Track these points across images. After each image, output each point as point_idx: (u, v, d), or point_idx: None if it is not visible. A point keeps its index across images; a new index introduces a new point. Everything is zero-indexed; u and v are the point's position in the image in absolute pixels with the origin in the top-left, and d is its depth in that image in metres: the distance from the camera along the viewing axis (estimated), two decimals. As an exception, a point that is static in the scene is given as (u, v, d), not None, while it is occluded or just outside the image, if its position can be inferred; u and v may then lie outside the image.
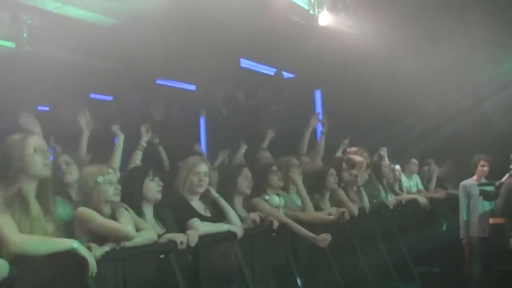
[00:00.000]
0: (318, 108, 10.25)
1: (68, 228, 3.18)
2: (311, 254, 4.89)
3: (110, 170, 3.43)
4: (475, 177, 7.05)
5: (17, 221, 2.77)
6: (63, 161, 3.96)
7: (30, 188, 2.95)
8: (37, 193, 2.99)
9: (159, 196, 3.77)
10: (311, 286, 4.79)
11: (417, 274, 6.35)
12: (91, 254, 2.87)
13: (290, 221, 4.68)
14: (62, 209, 3.41)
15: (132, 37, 7.21)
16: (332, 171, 5.56)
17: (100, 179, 3.33)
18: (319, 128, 7.31)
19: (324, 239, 4.60)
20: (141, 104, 9.78)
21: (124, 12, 6.70)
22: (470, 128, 8.14)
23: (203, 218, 3.96)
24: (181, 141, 7.55)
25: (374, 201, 6.44)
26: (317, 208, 5.25)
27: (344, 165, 6.03)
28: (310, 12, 7.05)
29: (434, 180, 8.48)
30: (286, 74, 10.20)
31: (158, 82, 10.19)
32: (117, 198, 3.38)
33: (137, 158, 4.83)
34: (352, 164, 6.19)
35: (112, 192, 3.35)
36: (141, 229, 3.38)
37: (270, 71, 10.06)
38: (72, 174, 3.91)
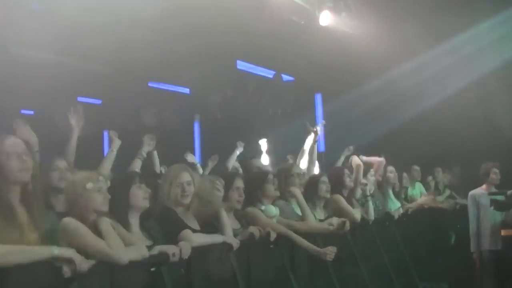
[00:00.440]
0: (318, 112, 10.28)
1: (54, 239, 3.18)
2: (311, 266, 4.87)
3: (101, 178, 3.39)
4: (484, 186, 7.02)
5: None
6: (59, 167, 3.98)
7: (12, 195, 2.95)
8: (20, 199, 2.99)
9: (146, 204, 3.74)
10: (311, 300, 4.79)
11: (424, 290, 6.35)
12: (75, 253, 2.87)
13: (290, 232, 4.66)
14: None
15: (122, 37, 7.21)
16: (324, 178, 5.54)
17: (89, 185, 3.28)
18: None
19: (330, 252, 4.62)
20: (132, 108, 9.80)
21: (114, 11, 6.72)
22: (478, 134, 8.16)
23: (193, 231, 3.96)
24: (174, 147, 7.56)
25: (380, 208, 6.46)
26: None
27: (346, 171, 6.05)
28: (311, 12, 7.09)
29: (443, 188, 8.49)
30: (285, 77, 10.22)
31: (150, 85, 10.20)
32: (105, 208, 3.35)
33: (137, 167, 4.81)
34: (369, 166, 6.26)
35: (100, 201, 3.30)
36: (129, 244, 3.35)
37: (268, 73, 10.08)
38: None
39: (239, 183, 4.53)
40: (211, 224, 4.19)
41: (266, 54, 8.75)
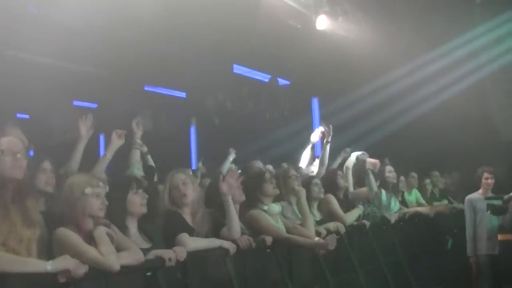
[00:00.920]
0: (315, 117, 10.28)
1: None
2: (308, 271, 4.87)
3: (100, 183, 3.37)
4: (480, 190, 7.03)
5: None
6: (46, 169, 3.95)
7: (5, 192, 2.95)
8: (13, 198, 2.98)
9: (143, 210, 3.74)
10: (307, 306, 4.78)
11: (421, 295, 6.34)
12: (69, 261, 2.86)
13: (291, 236, 4.67)
14: None
15: (118, 41, 7.21)
16: (316, 180, 5.60)
17: (88, 190, 3.26)
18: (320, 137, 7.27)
19: (331, 240, 4.62)
20: (128, 112, 9.77)
21: (110, 15, 6.71)
22: (476, 138, 8.17)
23: (192, 234, 3.96)
24: (170, 151, 7.55)
25: (377, 213, 6.46)
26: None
27: (339, 172, 6.11)
28: (307, 16, 7.10)
29: (439, 193, 8.49)
30: (282, 81, 10.23)
31: (146, 88, 10.20)
32: (101, 214, 3.33)
33: (136, 158, 4.76)
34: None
35: (97, 206, 3.28)
36: (125, 249, 3.34)
37: (264, 77, 10.08)
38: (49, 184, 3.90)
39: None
40: (219, 223, 4.22)
41: (263, 58, 8.76)
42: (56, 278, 2.82)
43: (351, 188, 6.29)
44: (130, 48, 7.40)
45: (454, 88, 8.12)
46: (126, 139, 4.67)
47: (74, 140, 4.79)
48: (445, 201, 8.32)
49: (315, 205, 5.58)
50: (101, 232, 3.24)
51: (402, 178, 7.58)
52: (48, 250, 3.17)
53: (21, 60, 7.22)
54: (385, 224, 6.47)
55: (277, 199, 4.97)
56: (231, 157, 6.64)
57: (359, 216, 5.96)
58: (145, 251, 3.48)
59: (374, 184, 6.23)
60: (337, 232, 5.16)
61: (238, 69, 9.49)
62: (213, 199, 4.43)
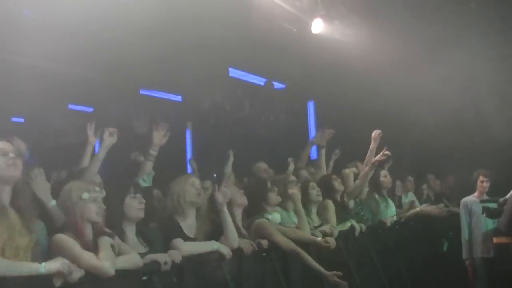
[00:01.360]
0: (311, 120, 10.30)
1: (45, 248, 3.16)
2: (304, 275, 4.87)
3: (97, 188, 3.40)
4: (476, 193, 7.07)
5: None
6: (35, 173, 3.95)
7: (3, 195, 2.95)
8: (11, 201, 2.98)
9: (141, 214, 3.75)
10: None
11: (417, 297, 6.35)
12: (63, 264, 2.85)
13: (299, 249, 4.69)
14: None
15: (113, 44, 7.20)
16: (313, 184, 5.66)
17: (85, 195, 3.28)
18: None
19: (336, 277, 4.63)
20: (123, 116, 9.76)
21: (106, 19, 6.70)
22: (472, 142, 8.19)
23: (186, 239, 3.97)
24: (166, 155, 7.52)
25: (369, 217, 6.47)
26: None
27: (334, 176, 6.19)
28: (303, 19, 7.10)
29: (435, 196, 8.50)
30: (277, 84, 10.23)
31: (141, 92, 10.18)
32: (99, 219, 3.34)
33: (148, 170, 4.72)
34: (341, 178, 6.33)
35: (95, 211, 3.30)
36: (124, 253, 3.34)
37: (260, 81, 10.09)
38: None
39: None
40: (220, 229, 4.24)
41: (258, 61, 8.76)
42: (52, 283, 2.81)
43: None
44: (126, 52, 7.38)
45: (450, 92, 8.13)
46: (119, 139, 4.62)
47: (69, 143, 4.80)
48: (441, 204, 8.33)
49: (314, 209, 5.60)
50: (105, 241, 3.25)
51: (398, 182, 7.60)
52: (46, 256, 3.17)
53: (16, 63, 7.19)
54: (381, 227, 6.48)
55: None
56: (231, 158, 6.64)
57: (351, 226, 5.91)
58: (142, 255, 3.48)
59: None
60: (331, 234, 5.19)
61: (233, 72, 9.49)
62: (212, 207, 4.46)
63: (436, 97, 8.11)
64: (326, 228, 5.34)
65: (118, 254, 3.29)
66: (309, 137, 9.76)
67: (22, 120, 10.05)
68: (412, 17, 7.47)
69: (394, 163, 7.49)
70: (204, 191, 4.37)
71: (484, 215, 6.68)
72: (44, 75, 7.64)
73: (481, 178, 7.03)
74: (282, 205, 5.16)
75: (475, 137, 8.23)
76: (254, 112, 10.07)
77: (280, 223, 4.97)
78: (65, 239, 3.16)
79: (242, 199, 4.63)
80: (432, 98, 8.10)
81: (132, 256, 3.37)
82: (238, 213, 4.60)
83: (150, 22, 6.34)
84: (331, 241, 4.84)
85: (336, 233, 5.30)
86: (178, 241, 3.87)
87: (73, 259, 3.03)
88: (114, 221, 3.57)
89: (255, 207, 4.78)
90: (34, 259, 2.98)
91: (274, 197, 4.93)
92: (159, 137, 4.80)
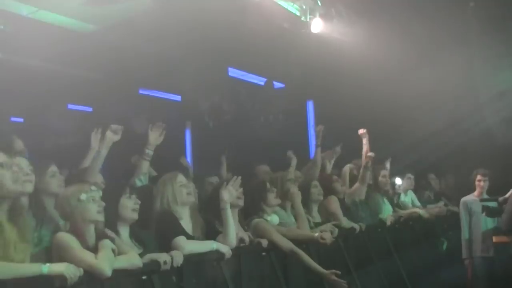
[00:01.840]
0: (310, 120, 10.30)
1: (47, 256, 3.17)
2: (303, 275, 4.87)
3: (93, 187, 3.39)
4: (476, 192, 7.07)
5: None
6: (56, 173, 3.92)
7: (0, 209, 2.92)
8: (8, 216, 2.94)
9: (135, 216, 3.74)
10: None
11: (416, 296, 6.35)
12: (67, 268, 2.85)
13: (297, 249, 4.67)
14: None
15: (113, 44, 7.20)
16: (316, 183, 5.64)
17: (83, 196, 3.28)
18: (313, 140, 7.30)
19: (334, 276, 4.61)
20: (123, 116, 9.74)
21: (104, 18, 6.70)
22: (471, 141, 8.19)
23: (188, 237, 3.96)
24: (165, 155, 7.52)
25: (374, 215, 6.49)
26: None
27: (335, 177, 6.18)
28: (302, 19, 7.10)
29: (435, 196, 8.51)
30: (277, 84, 10.23)
31: (140, 92, 10.18)
32: (101, 217, 3.33)
33: (144, 170, 4.64)
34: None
35: (95, 210, 3.30)
36: (124, 253, 3.34)
37: (259, 80, 10.09)
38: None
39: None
40: (214, 229, 4.22)
41: (258, 61, 8.77)
42: (51, 282, 2.81)
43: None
44: (125, 52, 7.39)
45: (450, 91, 8.14)
46: (123, 135, 4.58)
47: (69, 143, 4.80)
48: (441, 203, 8.34)
49: (315, 208, 5.61)
50: (106, 244, 3.24)
51: (398, 180, 7.60)
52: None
53: (16, 63, 7.19)
54: (381, 226, 6.49)
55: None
56: (224, 164, 6.63)
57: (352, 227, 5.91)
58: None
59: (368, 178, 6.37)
60: (332, 233, 5.17)
61: (233, 72, 9.50)
62: (211, 205, 4.44)
63: (435, 96, 8.11)
64: (327, 227, 5.30)
65: (118, 254, 3.28)
66: (308, 136, 9.77)
67: (22, 120, 10.04)
68: (411, 16, 7.47)
69: (394, 162, 7.49)
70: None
71: (484, 214, 6.68)
72: (44, 75, 7.64)
73: (480, 177, 7.04)
74: (281, 204, 5.14)
75: (474, 137, 8.23)
76: (254, 112, 10.07)
77: (280, 223, 4.96)
78: (67, 237, 3.16)
79: (239, 201, 4.59)
80: (432, 97, 8.10)
81: (132, 256, 3.36)
82: (235, 214, 4.57)
83: (150, 23, 6.35)
84: (327, 237, 4.80)
85: (336, 233, 5.27)
86: (181, 239, 3.84)
87: (72, 258, 3.03)
88: (109, 221, 3.56)
89: (254, 207, 4.77)
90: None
91: (273, 198, 4.89)
92: (155, 137, 4.71)
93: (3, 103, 8.11)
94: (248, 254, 4.40)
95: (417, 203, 8.03)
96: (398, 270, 6.32)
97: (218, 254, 4.00)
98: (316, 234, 4.90)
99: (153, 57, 7.80)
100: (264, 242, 4.48)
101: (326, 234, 4.88)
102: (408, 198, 8.03)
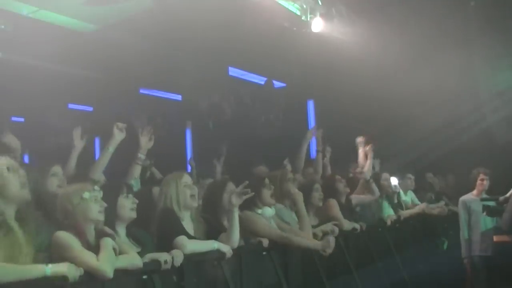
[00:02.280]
0: (311, 119, 10.29)
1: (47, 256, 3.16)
2: (304, 274, 4.87)
3: (96, 187, 3.39)
4: (475, 192, 7.05)
5: None
6: (58, 173, 3.91)
7: (8, 213, 2.91)
8: (16, 218, 2.94)
9: (133, 215, 3.73)
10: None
11: (416, 295, 6.35)
12: (70, 268, 2.85)
13: (287, 235, 4.64)
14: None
15: (113, 44, 7.20)
16: (317, 186, 5.58)
17: (86, 195, 3.27)
18: (314, 144, 7.25)
19: (331, 243, 4.60)
20: (123, 115, 9.75)
21: (105, 17, 6.69)
22: (472, 141, 8.19)
23: (190, 237, 3.95)
24: (165, 154, 7.53)
25: (375, 216, 6.49)
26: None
27: (338, 177, 6.10)
28: (302, 18, 7.10)
29: (435, 195, 8.51)
30: (277, 83, 10.24)
31: (141, 91, 10.19)
32: (102, 217, 3.33)
33: (136, 174, 4.62)
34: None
35: (97, 209, 3.29)
36: (124, 252, 3.34)
37: (260, 80, 10.09)
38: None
39: (232, 186, 4.51)
40: (215, 229, 4.21)
41: (258, 60, 8.77)
42: (52, 282, 2.81)
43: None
44: (125, 51, 7.38)
45: (450, 90, 8.14)
46: (127, 132, 4.58)
47: (69, 143, 4.79)
48: (442, 203, 8.34)
49: (313, 210, 5.57)
50: (108, 242, 3.23)
51: (398, 180, 7.60)
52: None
53: (16, 63, 7.19)
54: (381, 226, 6.49)
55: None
56: (218, 167, 6.63)
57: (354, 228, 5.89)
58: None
59: (377, 189, 6.36)
60: (333, 234, 5.15)
61: (233, 71, 9.49)
62: (211, 205, 4.43)
63: (435, 96, 8.11)
64: (327, 227, 5.28)
65: (119, 254, 3.28)
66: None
67: (22, 120, 10.05)
68: (412, 16, 7.47)
69: (394, 162, 7.49)
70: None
71: (485, 213, 6.65)
72: (44, 74, 7.64)
73: (481, 176, 7.02)
74: (282, 202, 5.12)
75: (474, 136, 8.23)
76: (254, 111, 10.07)
77: (282, 220, 4.93)
78: (67, 237, 3.15)
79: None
80: (432, 96, 8.10)
81: (133, 256, 3.36)
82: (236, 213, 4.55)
83: (151, 23, 6.35)
84: (328, 244, 4.68)
85: (336, 232, 5.25)
86: (183, 239, 3.83)
87: (73, 258, 3.02)
88: (107, 221, 3.55)
89: (248, 201, 4.72)
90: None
91: (268, 196, 4.81)
92: (145, 141, 4.72)
93: (5, 102, 8.12)
94: (248, 253, 4.39)
95: (417, 202, 8.04)
96: (398, 269, 6.32)
97: (219, 253, 3.99)
98: (319, 244, 4.83)
99: (154, 57, 7.80)
100: (265, 242, 4.48)
101: (328, 245, 4.78)
102: (408, 198, 8.03)
